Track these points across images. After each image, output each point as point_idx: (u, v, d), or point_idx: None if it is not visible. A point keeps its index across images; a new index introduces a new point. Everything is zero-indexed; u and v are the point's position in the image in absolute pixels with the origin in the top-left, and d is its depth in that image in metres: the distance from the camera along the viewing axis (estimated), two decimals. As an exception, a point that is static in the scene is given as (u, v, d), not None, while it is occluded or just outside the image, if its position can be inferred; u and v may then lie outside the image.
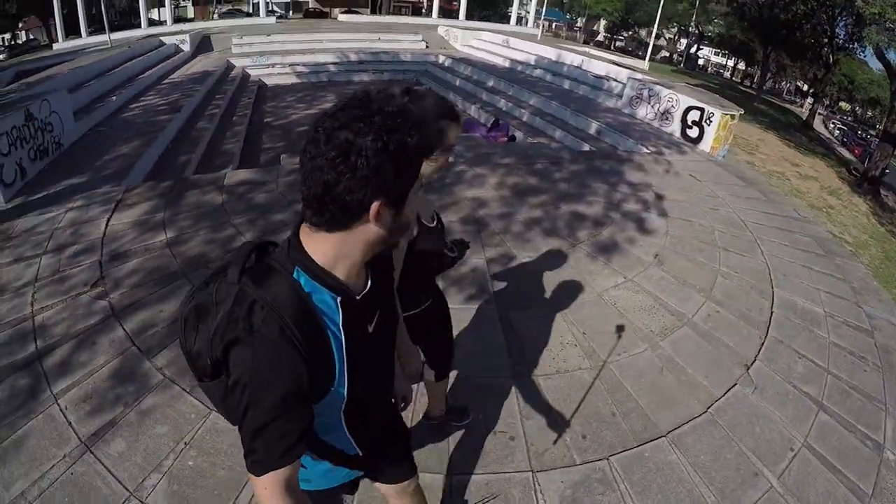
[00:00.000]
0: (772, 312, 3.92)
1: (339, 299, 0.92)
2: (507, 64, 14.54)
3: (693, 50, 48.09)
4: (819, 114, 42.43)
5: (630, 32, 49.30)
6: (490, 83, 12.16)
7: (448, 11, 26.84)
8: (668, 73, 27.47)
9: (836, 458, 2.75)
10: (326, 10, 28.34)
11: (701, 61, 56.63)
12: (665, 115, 9.51)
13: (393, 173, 0.80)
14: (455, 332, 2.17)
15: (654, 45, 52.43)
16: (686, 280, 4.11)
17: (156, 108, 8.83)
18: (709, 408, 2.89)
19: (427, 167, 1.41)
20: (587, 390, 2.78)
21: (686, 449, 2.59)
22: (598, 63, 12.80)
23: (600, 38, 40.93)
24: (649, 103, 9.90)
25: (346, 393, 0.98)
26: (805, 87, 40.26)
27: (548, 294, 3.68)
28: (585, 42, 30.33)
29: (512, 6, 23.74)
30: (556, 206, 5.06)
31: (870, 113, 52.91)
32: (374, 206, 0.81)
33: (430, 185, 2.36)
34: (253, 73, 13.83)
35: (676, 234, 4.91)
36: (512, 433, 2.49)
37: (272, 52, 14.81)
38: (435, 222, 1.59)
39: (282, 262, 0.91)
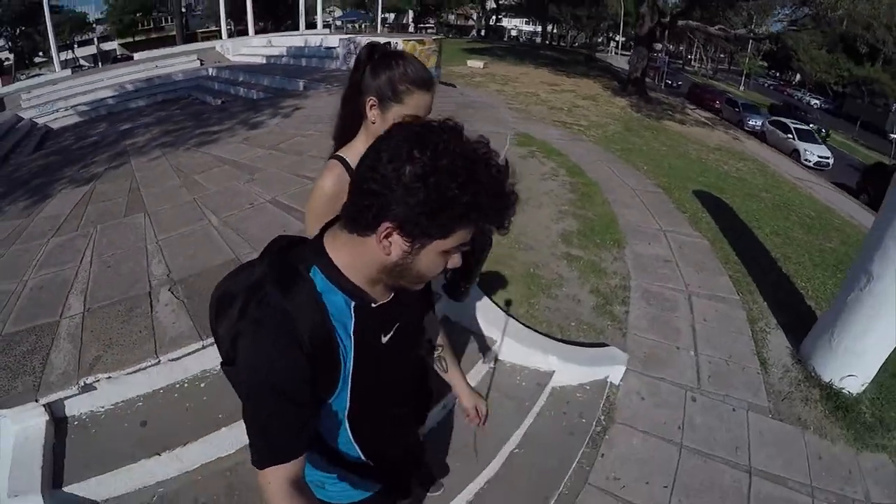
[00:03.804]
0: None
1: (353, 304, 0.92)
2: (263, 60, 16.95)
3: (493, 21, 53.30)
4: (623, 54, 48.84)
5: (436, 18, 53.62)
6: (241, 79, 14.34)
7: (243, 32, 28.65)
8: (462, 44, 30.36)
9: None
10: (131, 54, 29.28)
11: (514, 32, 62.48)
12: (368, 58, 11.97)
13: (419, 205, 0.78)
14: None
15: (464, 27, 57.75)
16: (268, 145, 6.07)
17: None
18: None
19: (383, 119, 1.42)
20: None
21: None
22: (334, 38, 15.57)
23: (410, 28, 44.28)
24: (356, 53, 12.29)
25: (348, 399, 0.98)
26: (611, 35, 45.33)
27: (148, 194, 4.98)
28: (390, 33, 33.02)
29: (300, 15, 25.66)
30: (190, 134, 7.26)
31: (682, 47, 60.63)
32: (384, 225, 0.81)
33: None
34: (40, 121, 14.90)
35: (282, 126, 7.13)
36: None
37: (57, 99, 15.97)
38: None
39: (301, 259, 0.92)
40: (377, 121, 1.44)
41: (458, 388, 1.50)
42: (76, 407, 2.35)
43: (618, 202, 7.12)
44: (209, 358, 2.55)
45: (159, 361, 2.39)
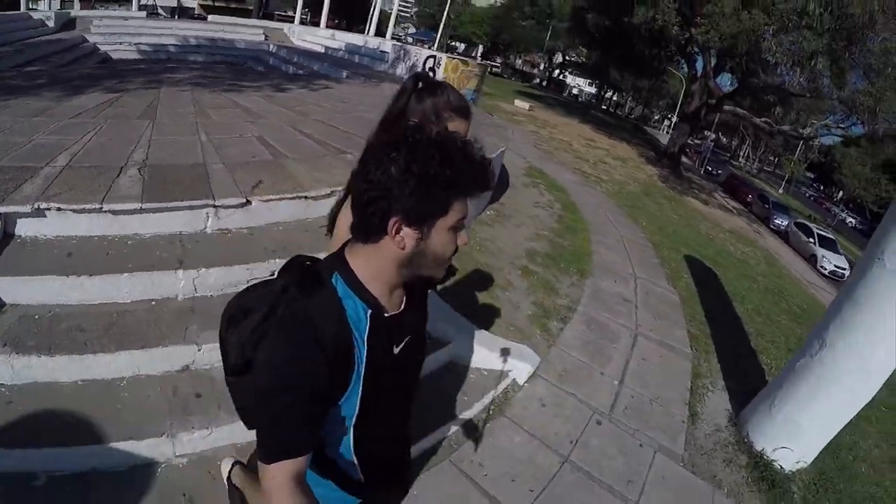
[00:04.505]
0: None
1: (369, 312, 0.99)
2: (322, 49, 17.76)
3: (556, 74, 54.72)
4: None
5: (503, 59, 55.20)
6: (295, 59, 15.15)
7: (316, 24, 30.08)
8: (519, 87, 30.89)
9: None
10: (206, 15, 30.79)
11: (575, 90, 63.94)
12: (413, 67, 12.94)
13: (412, 193, 0.88)
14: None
15: (528, 73, 59.43)
16: (283, 105, 6.53)
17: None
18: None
19: None
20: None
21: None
22: (388, 43, 16.35)
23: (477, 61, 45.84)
24: (404, 61, 13.53)
25: (357, 406, 1.02)
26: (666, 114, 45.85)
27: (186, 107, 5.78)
28: (451, 57, 34.17)
29: (370, 21, 26.78)
30: (223, 83, 7.90)
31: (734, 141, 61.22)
32: (392, 221, 0.90)
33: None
34: (102, 48, 15.86)
35: (305, 96, 7.57)
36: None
37: (124, 34, 16.95)
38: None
39: (325, 267, 1.02)
40: None
41: None
42: (24, 228, 2.73)
43: (600, 243, 7.10)
44: (144, 223, 2.95)
45: (101, 208, 2.77)
